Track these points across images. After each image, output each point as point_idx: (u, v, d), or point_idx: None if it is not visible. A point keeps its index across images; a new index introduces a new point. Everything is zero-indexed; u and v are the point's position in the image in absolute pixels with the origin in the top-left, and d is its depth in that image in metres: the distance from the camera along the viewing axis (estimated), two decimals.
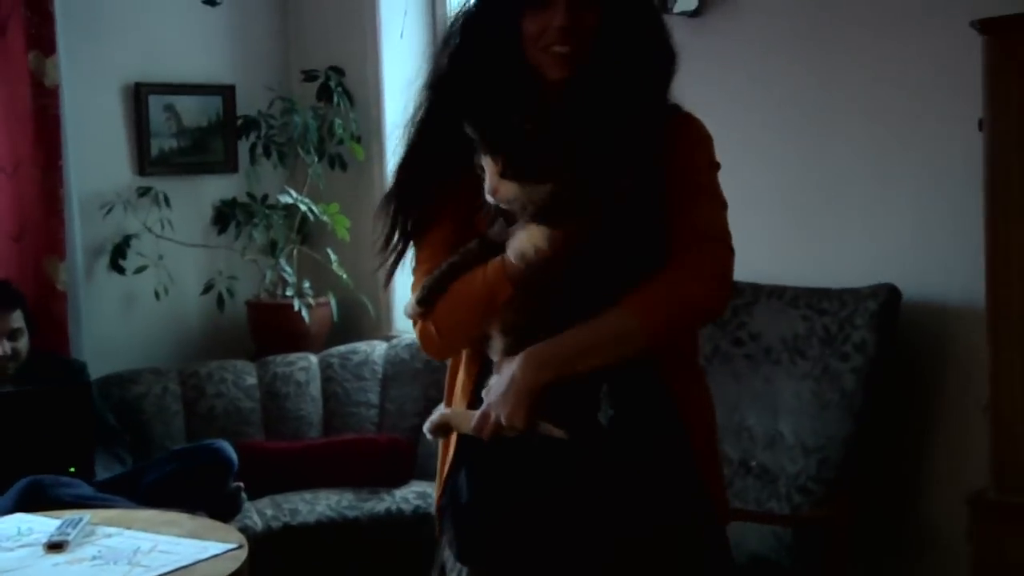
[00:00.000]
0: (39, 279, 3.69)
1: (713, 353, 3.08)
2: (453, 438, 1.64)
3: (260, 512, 3.31)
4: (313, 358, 3.93)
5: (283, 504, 3.37)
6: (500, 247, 1.52)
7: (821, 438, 2.84)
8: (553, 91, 1.57)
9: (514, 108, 1.49)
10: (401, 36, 4.18)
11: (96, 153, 3.97)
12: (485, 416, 1.51)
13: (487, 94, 1.55)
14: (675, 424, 1.58)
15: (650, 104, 1.59)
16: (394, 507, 3.41)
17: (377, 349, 3.97)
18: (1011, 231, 2.38)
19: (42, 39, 3.67)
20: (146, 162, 4.10)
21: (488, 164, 1.46)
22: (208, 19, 4.11)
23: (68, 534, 2.38)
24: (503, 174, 1.45)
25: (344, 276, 4.08)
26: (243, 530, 2.82)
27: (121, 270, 3.96)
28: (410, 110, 1.64)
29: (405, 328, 4.02)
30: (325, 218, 4.08)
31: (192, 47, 4.19)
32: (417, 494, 3.45)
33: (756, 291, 3.10)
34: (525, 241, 1.47)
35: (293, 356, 3.91)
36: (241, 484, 3.33)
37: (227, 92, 4.26)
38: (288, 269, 4.11)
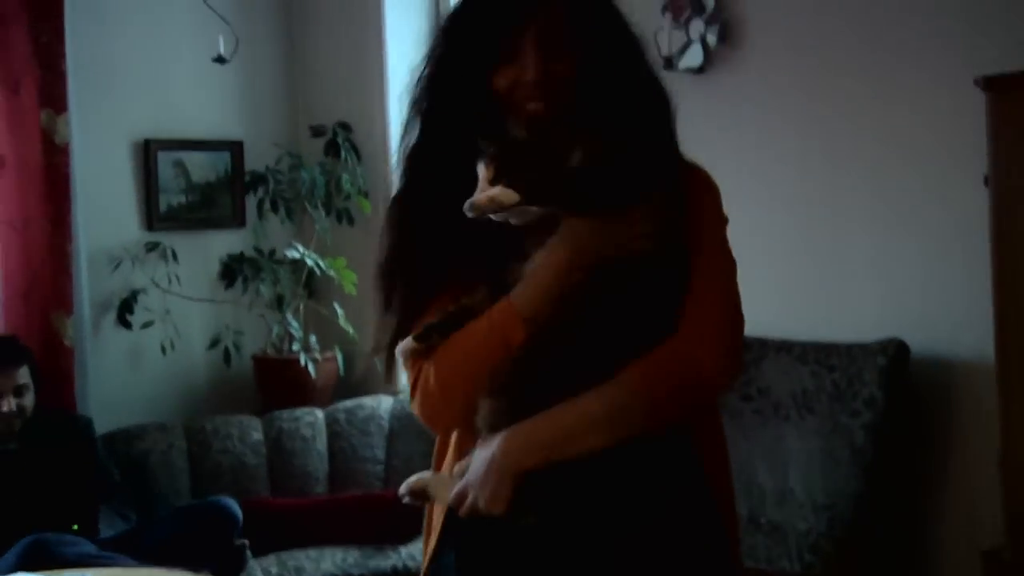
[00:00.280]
0: (46, 334, 3.69)
1: (722, 408, 3.06)
2: (439, 506, 1.49)
3: (265, 570, 3.28)
4: (319, 413, 3.92)
5: (288, 561, 3.34)
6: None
7: (831, 495, 2.82)
8: None
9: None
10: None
11: (105, 209, 3.99)
12: (461, 495, 1.35)
13: (467, 158, 1.38)
14: (704, 503, 1.41)
15: (657, 152, 1.42)
16: (400, 564, 3.38)
17: (383, 404, 3.96)
18: (1019, 286, 2.38)
19: (54, 97, 3.71)
20: (154, 217, 4.12)
21: (480, 171, 1.34)
22: (217, 76, 4.16)
23: None
24: (494, 181, 1.31)
25: (351, 330, 4.08)
26: None
27: (128, 325, 3.96)
28: (394, 182, 1.52)
29: None
30: (332, 272, 4.08)
31: (201, 104, 4.23)
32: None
33: (764, 346, 3.09)
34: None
35: (299, 411, 3.90)
36: (246, 541, 3.30)
37: (235, 148, 4.30)
38: (295, 324, 4.11)
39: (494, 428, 1.33)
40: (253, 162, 4.28)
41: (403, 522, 3.54)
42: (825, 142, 3.16)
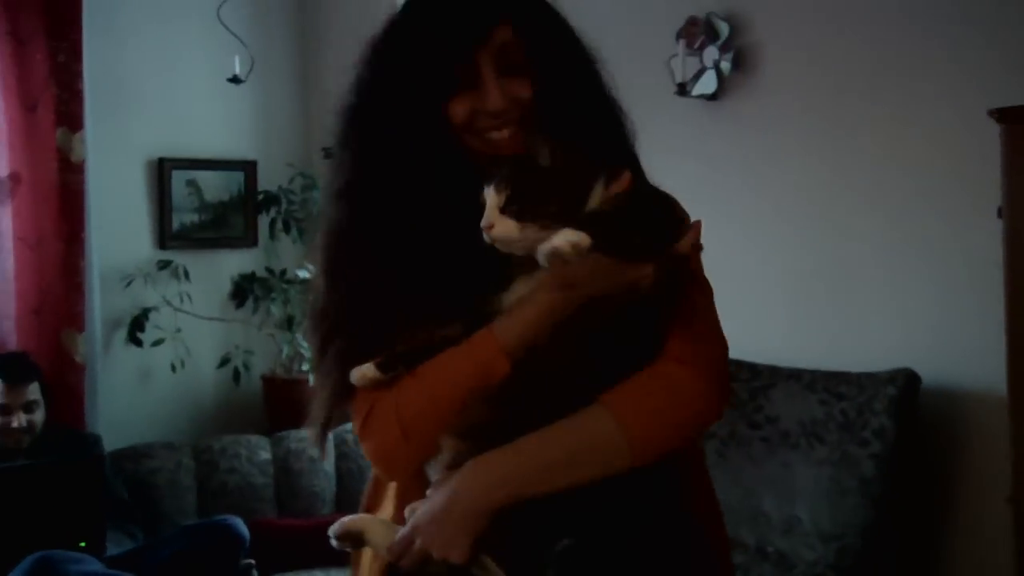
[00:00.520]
0: (57, 351, 3.71)
1: (730, 436, 3.06)
2: (368, 556, 1.30)
3: None
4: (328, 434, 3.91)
5: None
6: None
7: (839, 525, 2.80)
8: None
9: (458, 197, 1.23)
10: None
11: (118, 227, 4.01)
12: (407, 541, 1.17)
13: (426, 190, 1.26)
14: (693, 554, 1.24)
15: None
16: None
17: None
18: None
19: (70, 115, 3.74)
20: (167, 236, 4.14)
21: (490, 196, 1.19)
22: (232, 97, 4.19)
23: None
24: (504, 208, 1.17)
25: None
26: None
27: (139, 343, 3.98)
28: (325, 227, 1.33)
29: None
30: None
31: (216, 123, 4.26)
32: None
33: (774, 374, 3.08)
34: (559, 238, 1.11)
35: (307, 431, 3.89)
36: (252, 561, 3.30)
37: (249, 168, 4.32)
38: (305, 344, 4.11)
39: (457, 466, 1.17)
40: (266, 182, 4.31)
41: None
42: (838, 170, 3.16)
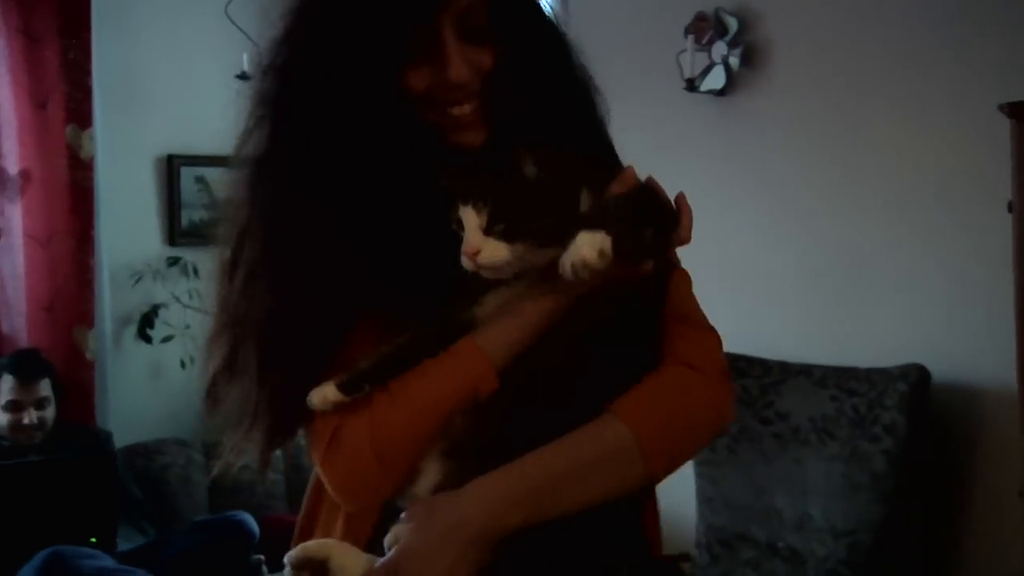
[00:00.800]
0: (68, 348, 3.72)
1: (741, 432, 3.05)
2: None
3: None
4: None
5: None
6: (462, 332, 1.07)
7: (851, 521, 2.79)
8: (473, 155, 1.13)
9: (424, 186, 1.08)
10: None
11: (128, 224, 4.02)
12: (389, 572, 1.01)
13: (377, 168, 1.09)
14: None
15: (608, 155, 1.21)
16: None
17: None
18: None
19: (80, 113, 3.75)
20: (176, 233, 4.15)
21: (468, 217, 1.04)
22: (241, 93, 4.18)
23: None
24: (488, 229, 1.03)
25: None
26: None
27: (148, 339, 3.99)
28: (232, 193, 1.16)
29: None
30: None
31: (225, 120, 4.25)
32: None
33: (785, 370, 3.08)
34: (584, 246, 1.00)
35: None
36: (262, 557, 3.31)
37: None
38: None
39: (442, 490, 1.04)
40: None
41: None
42: (847, 166, 3.15)
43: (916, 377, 2.83)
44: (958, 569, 2.95)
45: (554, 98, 1.16)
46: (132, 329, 4.01)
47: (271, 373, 1.09)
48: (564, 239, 1.01)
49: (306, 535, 1.18)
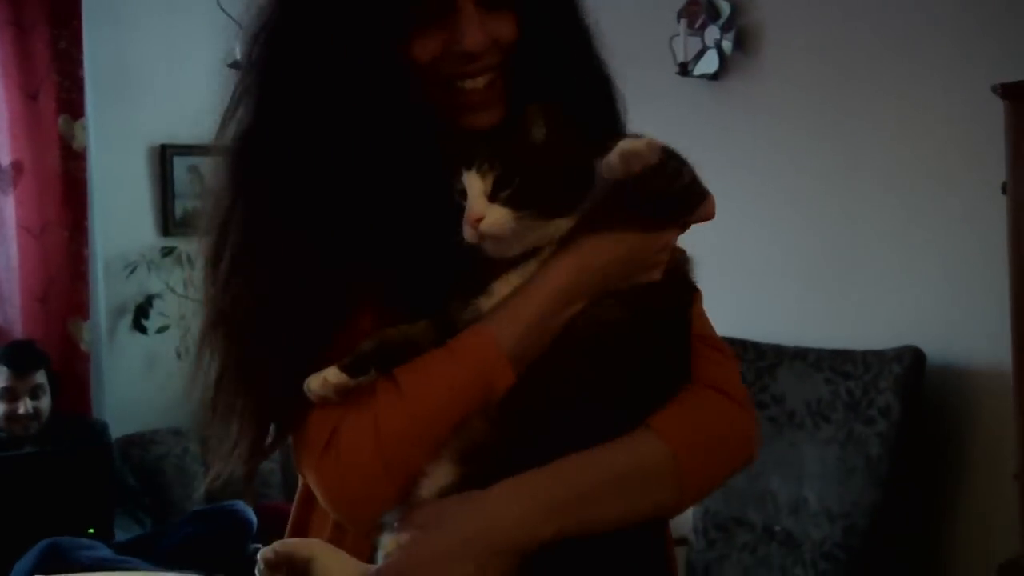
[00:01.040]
0: (63, 339, 3.72)
1: None
2: None
3: None
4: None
5: None
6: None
7: (846, 504, 2.80)
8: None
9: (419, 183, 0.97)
10: None
11: (121, 214, 4.01)
12: None
13: (375, 149, 0.97)
14: None
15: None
16: None
17: None
18: None
19: (72, 103, 3.74)
20: (170, 223, 4.14)
21: (472, 182, 0.95)
22: (233, 81, 4.17)
23: None
24: (494, 195, 0.94)
25: None
26: None
27: (143, 330, 3.98)
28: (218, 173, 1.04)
29: None
30: None
31: (218, 109, 4.24)
32: None
33: (779, 353, 3.08)
34: (630, 141, 0.90)
35: None
36: (261, 546, 3.30)
37: None
38: None
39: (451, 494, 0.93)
40: None
41: None
42: (841, 149, 3.15)
43: (911, 360, 2.83)
44: (953, 551, 2.96)
45: (576, 83, 1.05)
46: (127, 320, 4.01)
47: (255, 377, 0.96)
48: (574, 210, 0.96)
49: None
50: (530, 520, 0.90)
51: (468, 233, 0.94)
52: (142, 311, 3.98)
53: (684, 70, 3.36)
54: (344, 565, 0.94)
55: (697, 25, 3.38)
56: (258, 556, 0.96)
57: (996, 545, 2.70)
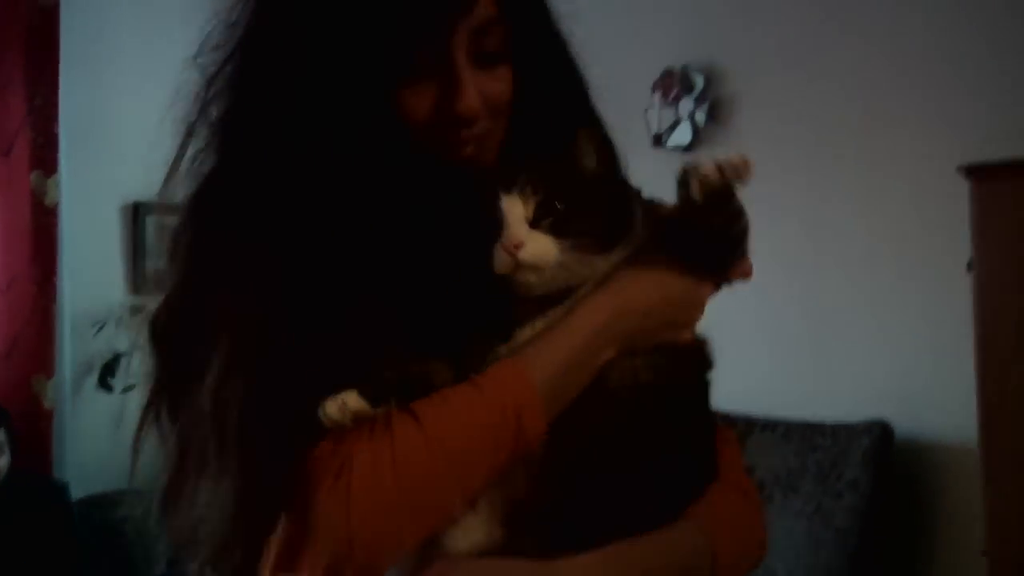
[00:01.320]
0: (26, 396, 3.66)
1: None
2: None
3: None
4: None
5: None
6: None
7: None
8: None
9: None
10: None
11: (91, 271, 3.98)
12: None
13: (372, 183, 0.89)
14: None
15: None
16: None
17: None
18: (1002, 370, 2.38)
19: (45, 159, 3.73)
20: (140, 280, 4.11)
21: (512, 206, 0.88)
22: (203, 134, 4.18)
23: None
24: (535, 222, 0.88)
25: None
26: None
27: (109, 388, 3.93)
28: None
29: None
30: None
31: (179, 163, 4.24)
32: None
33: (749, 423, 3.08)
34: (703, 164, 0.87)
35: None
36: None
37: None
38: None
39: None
40: None
41: None
42: (811, 223, 3.19)
43: (879, 433, 2.84)
44: None
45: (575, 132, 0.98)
46: (93, 378, 3.96)
47: (254, 473, 0.84)
48: (615, 249, 0.89)
49: None
50: None
51: (503, 261, 0.87)
52: (109, 369, 3.93)
53: (658, 141, 3.40)
54: None
55: (671, 97, 3.43)
56: None
57: None
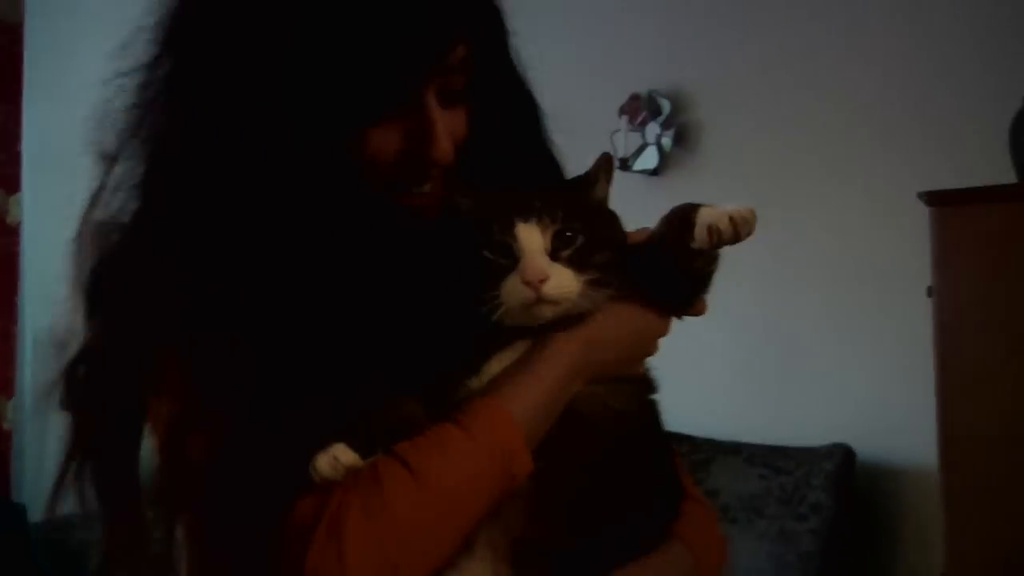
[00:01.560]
0: None
1: None
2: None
3: None
4: None
5: None
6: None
7: None
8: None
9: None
10: None
11: (54, 290, 3.94)
12: None
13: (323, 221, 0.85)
14: None
15: None
16: None
17: None
18: (963, 397, 2.41)
19: (7, 177, 3.70)
20: None
21: (529, 236, 0.85)
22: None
23: None
24: (555, 254, 0.85)
25: None
26: None
27: None
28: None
29: None
30: None
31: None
32: None
33: (715, 448, 3.10)
34: (716, 213, 0.90)
35: None
36: None
37: None
38: None
39: None
40: None
41: None
42: (776, 249, 3.22)
43: (842, 457, 2.86)
44: None
45: (527, 168, 0.99)
46: (55, 399, 3.91)
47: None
48: (618, 281, 0.87)
49: None
50: None
51: (522, 295, 0.84)
52: None
53: (624, 165, 3.42)
54: None
55: (638, 122, 3.46)
56: None
57: None
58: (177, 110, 0.88)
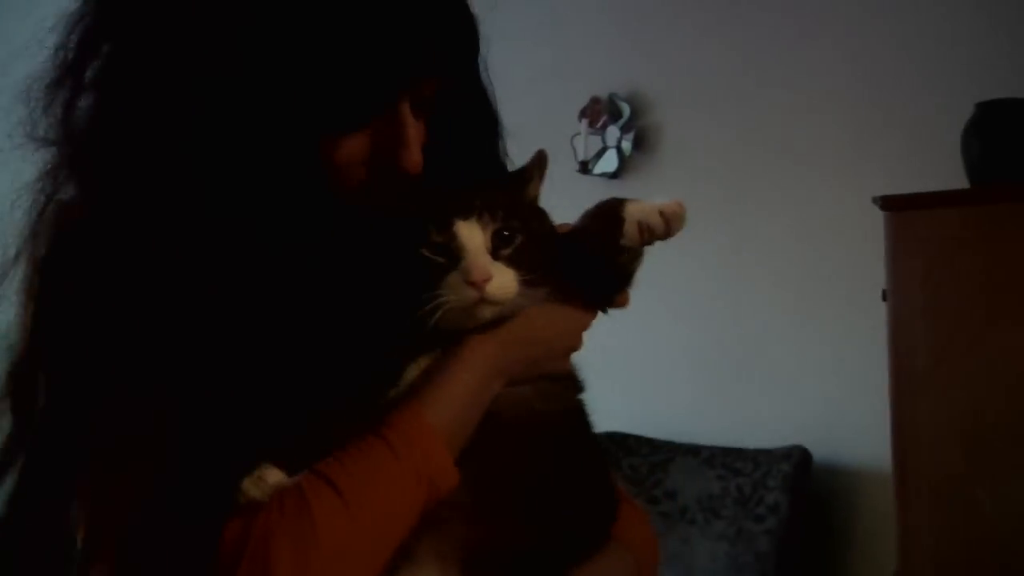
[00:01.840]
0: None
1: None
2: None
3: None
4: None
5: None
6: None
7: None
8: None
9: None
10: None
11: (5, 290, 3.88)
12: None
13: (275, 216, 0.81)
14: None
15: None
16: None
17: None
18: (915, 399, 2.44)
19: None
20: None
21: (470, 233, 0.83)
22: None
23: None
24: (496, 252, 0.84)
25: None
26: None
27: None
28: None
29: None
30: None
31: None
32: None
33: (672, 449, 3.12)
34: (647, 209, 0.88)
35: None
36: None
37: None
38: None
39: None
40: None
41: None
42: (734, 251, 3.25)
43: (798, 458, 2.90)
44: None
45: (475, 173, 0.97)
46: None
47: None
48: (547, 281, 0.85)
49: None
50: None
51: (465, 295, 0.81)
52: None
53: (584, 168, 3.44)
54: None
55: (598, 125, 3.47)
56: None
57: None
58: (133, 103, 0.82)
